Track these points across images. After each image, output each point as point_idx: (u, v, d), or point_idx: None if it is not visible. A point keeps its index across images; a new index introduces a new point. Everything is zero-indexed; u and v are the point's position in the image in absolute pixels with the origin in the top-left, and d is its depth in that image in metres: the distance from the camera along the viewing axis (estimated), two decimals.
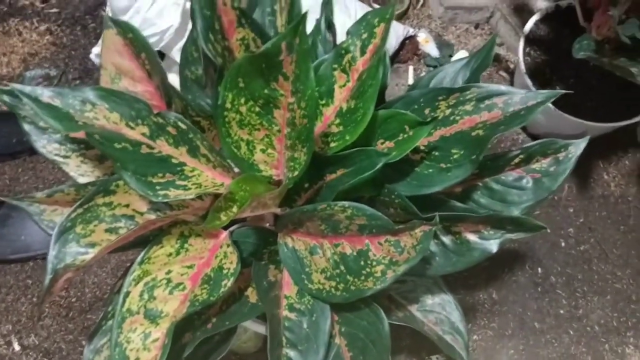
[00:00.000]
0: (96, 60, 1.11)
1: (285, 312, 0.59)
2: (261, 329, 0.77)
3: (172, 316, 0.53)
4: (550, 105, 0.94)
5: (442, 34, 1.25)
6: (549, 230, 1.07)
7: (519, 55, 1.01)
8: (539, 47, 1.02)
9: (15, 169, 1.09)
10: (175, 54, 1.01)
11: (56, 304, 1.00)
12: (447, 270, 0.59)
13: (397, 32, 1.18)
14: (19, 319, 0.99)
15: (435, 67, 1.22)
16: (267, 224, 0.70)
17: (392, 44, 1.17)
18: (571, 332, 1.02)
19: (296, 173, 0.55)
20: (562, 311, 1.03)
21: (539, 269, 1.06)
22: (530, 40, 1.02)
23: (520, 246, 1.07)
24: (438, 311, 0.68)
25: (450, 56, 1.23)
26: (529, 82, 0.97)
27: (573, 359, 1.00)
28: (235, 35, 0.55)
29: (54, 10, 1.27)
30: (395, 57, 1.21)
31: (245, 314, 0.58)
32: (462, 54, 1.23)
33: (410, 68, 1.22)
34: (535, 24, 1.03)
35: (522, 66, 0.99)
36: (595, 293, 1.05)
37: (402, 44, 1.21)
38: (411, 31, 1.21)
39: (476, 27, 1.25)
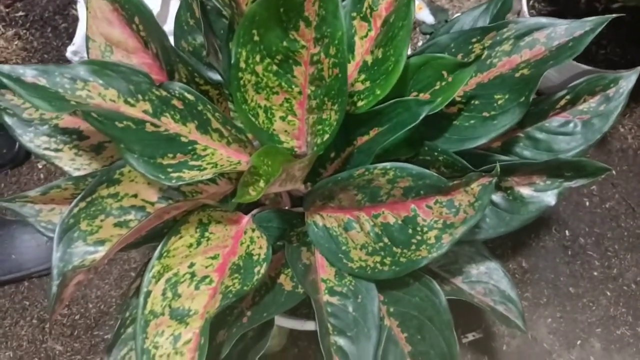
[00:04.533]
0: (73, 59, 1.03)
1: (326, 297, 0.52)
2: (286, 322, 0.70)
3: (203, 313, 0.46)
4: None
5: (434, 0, 1.19)
6: (614, 172, 1.02)
7: (523, 8, 0.95)
8: None
9: None
10: None
11: (59, 324, 0.92)
12: (500, 232, 0.53)
13: None
14: (19, 344, 0.91)
15: (431, 34, 1.16)
16: (286, 207, 0.63)
17: None
18: (608, 293, 0.97)
19: (326, 137, 0.48)
20: (595, 273, 0.98)
21: (566, 232, 1.01)
22: None
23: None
24: (485, 281, 0.62)
25: (447, 21, 1.17)
26: None
27: (613, 320, 0.95)
28: None
29: (21, 13, 1.19)
30: None
31: (283, 302, 0.51)
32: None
33: None
34: None
35: None
36: (627, 250, 1.00)
37: None
38: None
39: None
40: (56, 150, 0.54)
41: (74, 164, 0.55)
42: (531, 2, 0.96)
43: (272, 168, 0.47)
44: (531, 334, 0.94)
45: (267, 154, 0.48)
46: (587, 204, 1.03)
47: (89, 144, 0.56)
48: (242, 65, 0.45)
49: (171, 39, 0.59)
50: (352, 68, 0.53)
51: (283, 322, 0.70)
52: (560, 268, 0.98)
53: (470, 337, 0.93)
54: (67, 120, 0.55)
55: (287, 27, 0.43)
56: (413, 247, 0.48)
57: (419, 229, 0.48)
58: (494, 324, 0.94)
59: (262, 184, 0.46)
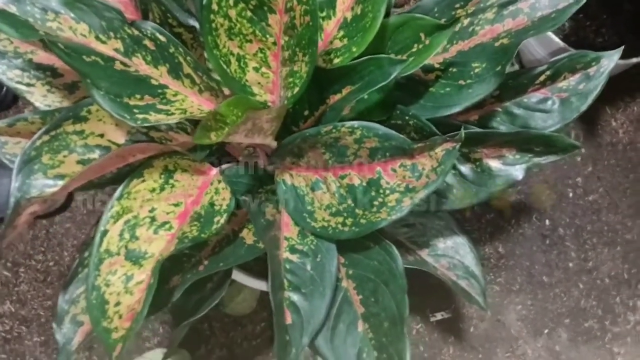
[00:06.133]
0: None
1: (286, 254, 0.52)
2: (256, 284, 0.71)
3: (158, 257, 0.46)
4: (559, 40, 0.88)
5: None
6: (583, 150, 1.01)
7: None
8: None
9: None
10: None
11: (32, 269, 0.93)
12: (466, 203, 0.53)
13: None
14: None
15: None
16: (262, 165, 0.63)
17: None
18: (581, 286, 0.97)
19: (297, 90, 0.47)
20: (571, 264, 0.99)
21: (547, 221, 1.01)
22: None
23: (525, 197, 1.02)
24: (451, 255, 0.62)
25: None
26: None
27: (583, 312, 0.96)
28: None
29: None
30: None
31: (242, 255, 0.51)
32: None
33: None
34: None
35: None
36: (605, 244, 1.00)
37: None
38: None
39: None
40: (28, 84, 0.54)
41: (46, 100, 0.54)
42: None
43: (240, 119, 0.46)
44: (500, 318, 0.95)
45: (237, 104, 0.48)
46: (571, 195, 1.03)
47: (62, 82, 0.55)
48: (215, 7, 0.44)
49: None
50: (332, 25, 0.52)
51: (251, 282, 0.70)
52: (536, 256, 0.99)
53: (439, 316, 0.93)
54: (42, 57, 0.55)
55: None
56: (374, 209, 0.48)
57: (381, 191, 0.47)
58: (463, 306, 0.94)
59: (226, 130, 0.45)
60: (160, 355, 0.88)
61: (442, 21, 0.50)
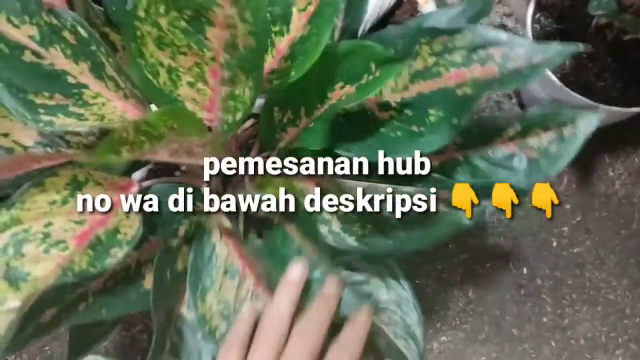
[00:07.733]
0: None
1: (183, 309, 0.46)
2: None
3: (40, 282, 0.41)
4: (556, 79, 0.81)
5: None
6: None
7: (527, 20, 0.87)
8: (550, 14, 0.88)
9: None
10: None
11: None
12: (410, 248, 0.47)
13: None
14: None
15: None
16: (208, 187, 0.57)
17: None
18: (553, 344, 0.91)
19: (238, 116, 0.42)
20: (545, 319, 0.92)
21: (525, 269, 0.94)
22: (541, 5, 0.88)
23: (505, 241, 0.95)
24: (393, 309, 0.56)
25: None
26: None
27: None
28: None
29: None
30: (391, 17, 1.07)
31: (133, 302, 0.45)
32: None
33: None
34: None
35: (530, 34, 0.86)
36: (584, 302, 0.93)
37: (400, 2, 1.06)
38: None
39: None
40: None
41: None
42: (537, 16, 0.88)
43: (174, 133, 0.40)
44: None
45: (172, 114, 0.41)
46: (555, 244, 0.96)
47: None
48: (141, 13, 0.38)
49: None
50: (284, 42, 0.46)
51: None
52: (508, 306, 0.92)
53: None
54: None
55: None
56: None
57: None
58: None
59: (147, 145, 0.39)
60: None
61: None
